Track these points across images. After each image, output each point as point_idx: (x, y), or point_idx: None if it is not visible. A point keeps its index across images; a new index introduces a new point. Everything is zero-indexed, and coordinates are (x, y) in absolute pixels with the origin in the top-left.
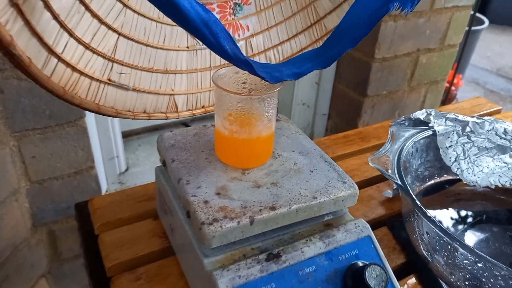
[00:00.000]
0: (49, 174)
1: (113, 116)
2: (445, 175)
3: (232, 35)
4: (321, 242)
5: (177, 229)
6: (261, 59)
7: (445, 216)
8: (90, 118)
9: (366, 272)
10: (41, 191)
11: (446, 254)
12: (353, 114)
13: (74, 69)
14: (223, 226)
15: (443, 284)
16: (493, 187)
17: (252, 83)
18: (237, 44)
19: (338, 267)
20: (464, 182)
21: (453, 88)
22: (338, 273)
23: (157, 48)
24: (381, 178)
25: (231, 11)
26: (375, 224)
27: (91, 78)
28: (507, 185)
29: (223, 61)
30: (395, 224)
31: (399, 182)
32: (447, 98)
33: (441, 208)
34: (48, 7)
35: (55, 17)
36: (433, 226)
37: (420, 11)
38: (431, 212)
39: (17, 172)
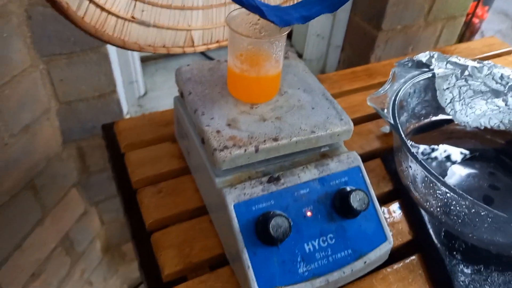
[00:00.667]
0: (75, 96)
1: (136, 50)
2: (440, 115)
3: None
4: (316, 169)
5: (193, 152)
6: None
7: (435, 152)
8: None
9: (351, 196)
10: (69, 112)
11: (423, 185)
12: (366, 47)
13: (102, 9)
14: (232, 152)
15: (420, 210)
16: (482, 128)
17: (263, 24)
18: None
19: (329, 190)
20: (456, 122)
21: (476, 20)
22: (328, 196)
23: None
24: None
25: None
26: (370, 156)
27: (117, 16)
28: (495, 126)
29: None
30: (387, 157)
31: (391, 122)
32: (468, 30)
33: (432, 144)
34: None
35: None
36: (415, 161)
37: None
38: (422, 147)
39: (47, 93)
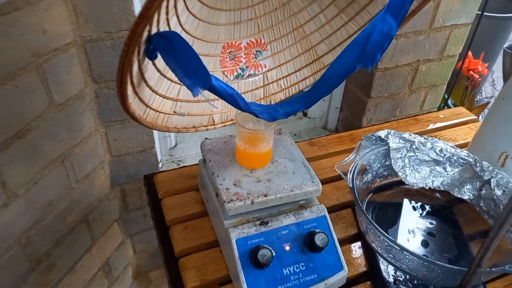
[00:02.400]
0: (124, 151)
1: (175, 132)
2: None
3: (244, 98)
4: (294, 217)
5: (210, 201)
6: (274, 86)
7: (390, 204)
8: None
9: (316, 236)
10: (118, 162)
11: (372, 232)
12: (359, 110)
13: (156, 110)
14: (235, 204)
15: (373, 249)
16: (427, 188)
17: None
18: (246, 100)
19: (302, 232)
20: (407, 183)
21: (476, 76)
22: (302, 235)
23: None
24: None
25: (254, 56)
26: (344, 206)
27: (164, 113)
28: (437, 187)
29: None
30: (355, 208)
31: (350, 185)
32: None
33: (390, 198)
34: (147, 85)
35: (149, 87)
36: (364, 217)
37: (420, 30)
38: (384, 202)
39: (104, 149)
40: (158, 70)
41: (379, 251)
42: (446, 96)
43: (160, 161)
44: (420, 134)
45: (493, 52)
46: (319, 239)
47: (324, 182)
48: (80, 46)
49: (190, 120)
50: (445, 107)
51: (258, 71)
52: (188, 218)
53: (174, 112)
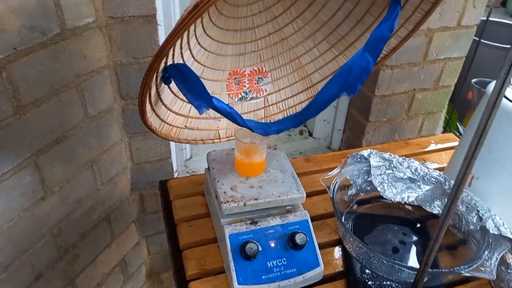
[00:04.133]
0: (144, 160)
1: (185, 143)
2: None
3: (248, 117)
4: (280, 219)
5: (212, 203)
6: (273, 108)
7: (369, 215)
8: None
9: (296, 236)
10: (138, 169)
11: (348, 238)
12: (359, 132)
13: (170, 125)
14: (230, 205)
15: (350, 253)
16: (403, 202)
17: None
18: (244, 118)
19: (286, 232)
20: (384, 198)
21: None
22: (286, 235)
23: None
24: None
25: (256, 81)
26: (330, 215)
27: (177, 127)
28: (411, 202)
29: None
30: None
31: (331, 195)
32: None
33: (369, 210)
34: (163, 104)
35: (165, 105)
36: (342, 226)
37: (414, 62)
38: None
39: (127, 157)
40: (173, 92)
41: (353, 254)
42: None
43: (176, 171)
44: (409, 156)
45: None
46: (299, 238)
47: (314, 193)
48: (112, 69)
49: (199, 133)
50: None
51: (260, 95)
52: (193, 218)
53: (185, 126)
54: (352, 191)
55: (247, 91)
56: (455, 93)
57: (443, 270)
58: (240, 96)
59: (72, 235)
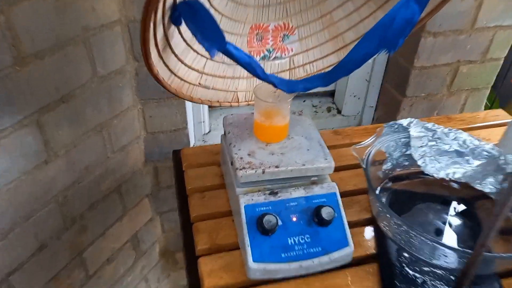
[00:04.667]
0: (158, 129)
1: (199, 103)
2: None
3: (264, 68)
4: (304, 190)
5: (227, 172)
6: (300, 71)
7: (406, 192)
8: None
9: (323, 209)
10: (152, 139)
11: (384, 215)
12: (393, 109)
13: (181, 79)
14: (247, 171)
15: (385, 233)
16: (448, 179)
17: (279, 92)
18: (265, 71)
19: (311, 205)
20: (426, 173)
21: None
22: (310, 209)
23: (228, 64)
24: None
25: (281, 39)
26: (360, 192)
27: (189, 83)
28: (457, 179)
29: None
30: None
31: (363, 166)
32: None
33: (406, 187)
34: (173, 52)
35: (175, 55)
36: (377, 201)
37: (460, 29)
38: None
39: (140, 125)
40: (185, 40)
41: (389, 234)
42: None
43: (194, 145)
44: None
45: None
46: (325, 213)
47: (343, 168)
48: (125, 26)
49: (215, 94)
50: None
51: (285, 54)
52: (206, 189)
53: (199, 83)
54: (387, 165)
55: (271, 49)
56: (499, 77)
57: (503, 254)
58: (262, 54)
59: (79, 205)
